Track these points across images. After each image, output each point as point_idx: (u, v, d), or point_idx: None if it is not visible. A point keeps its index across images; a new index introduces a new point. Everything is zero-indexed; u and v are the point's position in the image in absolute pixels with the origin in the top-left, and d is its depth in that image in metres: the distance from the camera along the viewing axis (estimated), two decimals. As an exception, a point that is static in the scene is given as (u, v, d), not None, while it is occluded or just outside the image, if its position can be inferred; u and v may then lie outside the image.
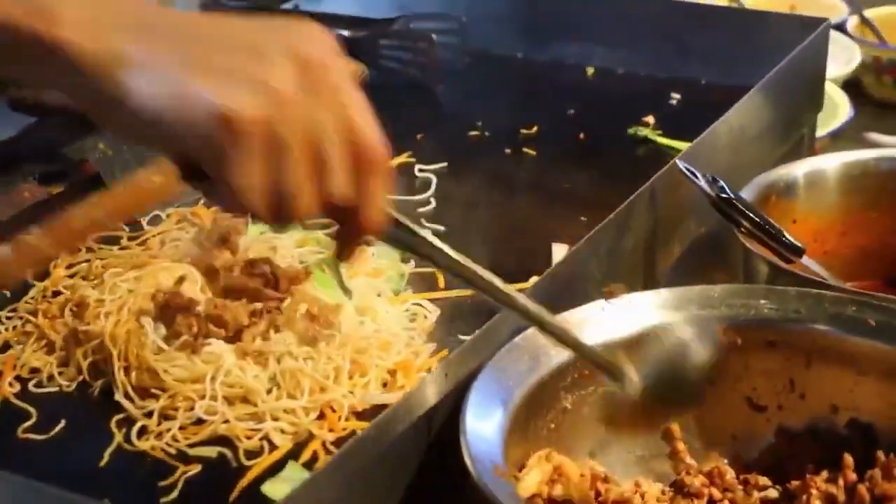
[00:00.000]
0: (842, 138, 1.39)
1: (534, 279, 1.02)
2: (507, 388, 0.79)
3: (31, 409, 0.89)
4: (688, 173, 0.99)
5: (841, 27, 1.64)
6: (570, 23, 1.51)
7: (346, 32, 1.49)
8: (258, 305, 0.94)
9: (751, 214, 0.98)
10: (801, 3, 1.78)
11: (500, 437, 0.75)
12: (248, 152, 0.64)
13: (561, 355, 0.82)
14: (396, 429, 0.75)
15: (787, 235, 0.99)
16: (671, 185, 1.04)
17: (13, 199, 1.20)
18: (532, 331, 0.81)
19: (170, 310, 0.93)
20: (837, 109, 1.42)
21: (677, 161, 1.00)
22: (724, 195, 0.98)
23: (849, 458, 0.83)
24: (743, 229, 0.99)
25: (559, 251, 1.08)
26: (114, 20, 0.66)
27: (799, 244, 0.99)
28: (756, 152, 1.23)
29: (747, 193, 1.04)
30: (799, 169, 1.09)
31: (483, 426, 0.75)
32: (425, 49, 1.45)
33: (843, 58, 1.54)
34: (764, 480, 0.84)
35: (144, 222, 1.13)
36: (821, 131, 1.38)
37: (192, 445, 0.85)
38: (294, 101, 0.65)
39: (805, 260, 1.00)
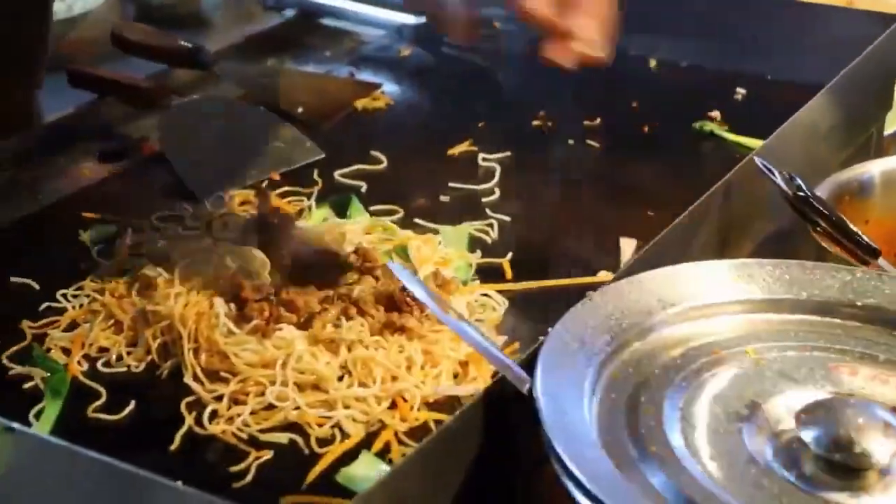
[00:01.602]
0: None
1: (602, 273, 1.02)
2: (584, 372, 0.78)
3: (101, 389, 0.89)
4: (765, 170, 0.98)
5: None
6: (633, 13, 1.48)
7: (408, 18, 1.49)
8: (329, 292, 0.93)
9: (827, 214, 0.97)
10: (858, -4, 1.76)
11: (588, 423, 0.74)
12: None
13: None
14: (477, 422, 0.74)
15: (864, 236, 0.97)
16: (745, 181, 1.03)
17: (73, 177, 1.20)
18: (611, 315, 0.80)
19: (242, 293, 0.92)
20: (905, 108, 1.40)
21: (755, 158, 0.99)
22: (801, 193, 0.97)
23: None
24: (819, 229, 0.97)
25: (628, 246, 1.07)
26: None
27: (875, 246, 0.98)
28: (825, 151, 1.21)
29: (820, 192, 1.03)
30: (875, 168, 1.08)
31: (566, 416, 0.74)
32: (488, 36, 1.44)
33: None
34: None
35: (208, 204, 1.13)
36: (887, 129, 1.36)
37: (263, 431, 0.84)
38: None
39: (881, 261, 0.98)
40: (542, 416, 0.72)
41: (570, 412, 0.74)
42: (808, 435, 0.72)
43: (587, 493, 0.68)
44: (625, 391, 0.78)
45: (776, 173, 0.98)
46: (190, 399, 0.87)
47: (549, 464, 0.78)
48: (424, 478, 0.72)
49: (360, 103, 1.36)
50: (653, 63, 1.45)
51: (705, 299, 0.85)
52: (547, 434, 0.71)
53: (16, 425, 0.71)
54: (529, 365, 0.76)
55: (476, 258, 1.04)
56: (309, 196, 1.14)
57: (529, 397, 0.74)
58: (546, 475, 0.79)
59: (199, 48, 1.32)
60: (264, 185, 1.15)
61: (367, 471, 0.80)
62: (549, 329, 0.79)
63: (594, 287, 0.92)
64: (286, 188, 1.16)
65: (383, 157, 1.22)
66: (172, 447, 0.83)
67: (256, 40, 1.53)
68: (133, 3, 1.80)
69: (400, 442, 0.84)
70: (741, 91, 1.38)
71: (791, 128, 1.12)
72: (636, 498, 0.69)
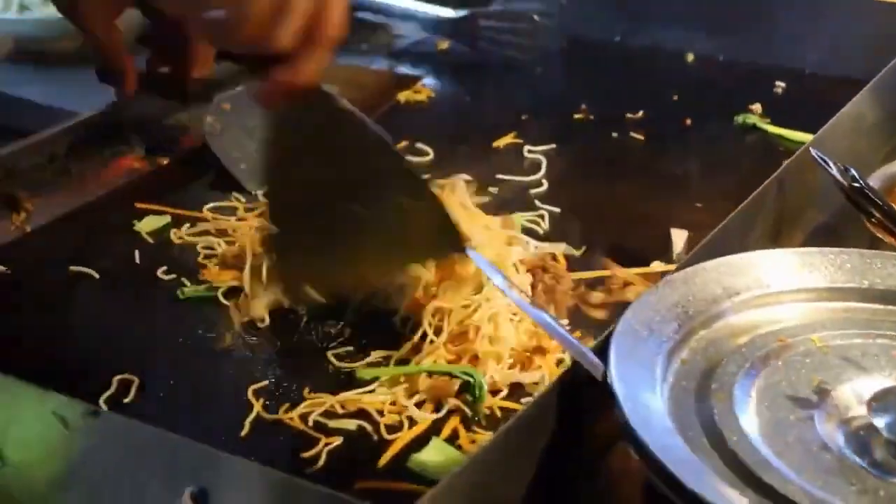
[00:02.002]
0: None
1: (655, 264, 1.03)
2: (654, 360, 0.79)
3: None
4: (821, 161, 0.99)
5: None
6: (669, 8, 1.50)
7: (447, 12, 1.49)
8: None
9: (882, 204, 0.98)
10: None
11: (662, 409, 0.75)
12: None
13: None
14: (552, 408, 0.75)
15: (918, 228, 0.98)
16: (797, 173, 1.04)
17: (122, 168, 1.21)
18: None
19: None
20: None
21: (811, 149, 1.00)
22: (856, 184, 0.98)
23: None
24: (874, 220, 0.98)
25: (679, 237, 1.07)
26: None
27: (928, 237, 0.98)
28: (867, 145, 1.22)
29: (871, 184, 1.03)
30: (926, 161, 1.09)
31: (640, 402, 0.74)
32: (526, 30, 1.45)
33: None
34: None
35: (260, 195, 1.14)
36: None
37: (330, 417, 0.85)
38: None
39: (934, 253, 0.99)
40: (619, 402, 0.73)
41: (644, 398, 0.75)
42: (880, 421, 0.73)
43: (668, 477, 0.69)
44: (694, 378, 0.79)
45: (831, 164, 0.99)
46: (257, 385, 0.88)
47: (616, 449, 0.79)
48: (501, 464, 0.72)
49: (402, 96, 1.37)
50: (690, 57, 1.47)
51: (769, 288, 0.86)
52: (626, 419, 0.72)
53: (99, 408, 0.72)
54: (601, 352, 0.77)
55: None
56: (359, 187, 1.15)
57: (604, 383, 0.75)
58: (613, 461, 0.80)
59: None
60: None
61: (438, 457, 0.81)
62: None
63: (649, 277, 0.94)
64: (335, 179, 1.17)
65: (429, 150, 1.23)
66: (242, 433, 0.84)
67: (293, 34, 1.53)
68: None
69: (468, 429, 0.84)
70: (780, 85, 1.38)
71: (838, 121, 1.12)
72: (716, 482, 0.69)
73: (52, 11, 1.54)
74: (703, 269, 0.86)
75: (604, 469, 0.80)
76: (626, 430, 0.72)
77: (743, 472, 0.71)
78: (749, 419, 0.75)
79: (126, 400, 0.86)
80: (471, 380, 0.86)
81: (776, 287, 0.86)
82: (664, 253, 1.05)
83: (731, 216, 0.94)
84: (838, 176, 0.98)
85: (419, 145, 1.23)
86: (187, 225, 1.09)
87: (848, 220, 1.04)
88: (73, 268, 1.02)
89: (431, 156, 1.22)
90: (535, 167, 1.20)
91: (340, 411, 0.86)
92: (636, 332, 0.80)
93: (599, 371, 0.76)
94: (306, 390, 0.88)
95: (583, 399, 0.78)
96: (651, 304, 0.82)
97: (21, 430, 0.75)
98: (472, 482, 0.70)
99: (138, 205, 1.12)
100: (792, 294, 0.86)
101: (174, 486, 0.69)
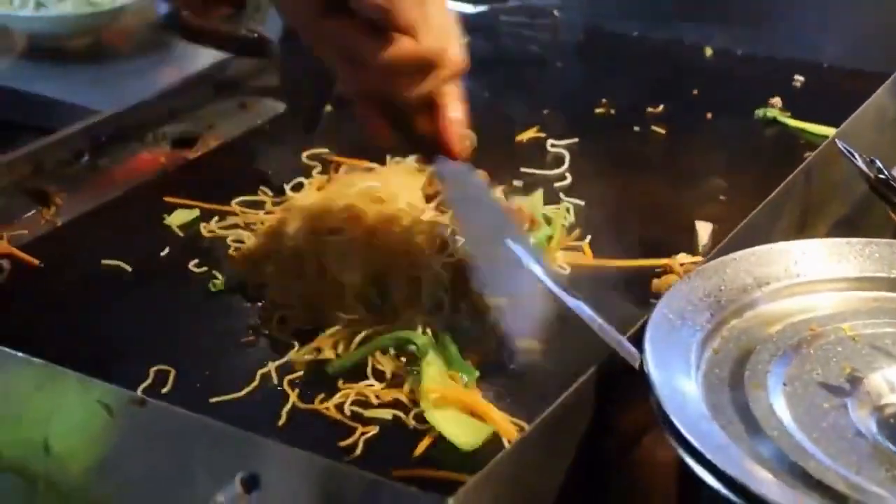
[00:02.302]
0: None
1: (682, 255, 1.03)
2: (688, 348, 0.80)
3: (202, 367, 0.91)
4: (846, 153, 1.00)
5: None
6: (687, 2, 1.51)
7: (466, 7, 1.50)
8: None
9: (908, 197, 0.99)
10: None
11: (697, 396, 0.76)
12: None
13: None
14: (590, 396, 0.76)
15: (943, 219, 0.99)
16: (823, 165, 1.05)
17: (149, 163, 1.22)
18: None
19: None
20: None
21: (837, 141, 1.01)
22: (882, 176, 0.99)
23: None
24: (900, 211, 0.99)
25: (703, 230, 1.08)
26: None
27: (953, 229, 1.00)
28: (891, 138, 1.23)
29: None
30: (950, 152, 1.10)
31: (676, 390, 0.75)
32: (547, 24, 1.46)
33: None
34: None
35: (288, 188, 1.15)
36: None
37: (365, 407, 0.86)
38: None
39: (958, 244, 1.00)
40: (656, 389, 0.74)
41: (679, 385, 0.76)
42: (913, 408, 0.74)
43: (705, 462, 0.70)
44: (727, 366, 0.80)
45: (857, 156, 1.00)
46: (292, 376, 0.89)
47: (647, 439, 0.80)
48: (539, 453, 0.74)
49: (424, 90, 1.37)
50: (708, 52, 1.47)
51: (799, 277, 0.87)
52: (663, 407, 0.73)
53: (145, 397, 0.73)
54: (636, 341, 0.78)
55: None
56: (385, 180, 1.16)
57: (640, 372, 0.76)
58: (645, 450, 0.81)
59: (263, 38, 1.33)
60: (339, 166, 1.17)
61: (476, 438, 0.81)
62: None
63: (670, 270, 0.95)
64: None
65: (453, 144, 1.23)
66: (279, 423, 0.85)
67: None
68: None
69: (500, 416, 0.85)
70: (799, 78, 1.39)
71: (862, 114, 1.13)
72: (753, 467, 0.70)
73: (67, 8, 1.56)
74: (734, 259, 0.87)
75: (635, 458, 0.81)
76: (662, 416, 0.73)
77: (779, 458, 0.72)
78: (782, 406, 0.76)
79: (164, 390, 0.87)
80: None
81: (806, 277, 0.87)
82: (689, 245, 1.06)
83: (759, 207, 0.95)
84: (864, 168, 0.99)
85: (443, 139, 1.24)
86: (216, 218, 1.09)
87: (869, 211, 1.05)
88: (105, 261, 1.03)
89: (455, 150, 1.23)
90: (559, 161, 1.21)
91: (375, 401, 0.87)
92: (670, 321, 0.81)
93: (636, 359, 0.77)
94: (340, 381, 0.88)
95: (616, 389, 0.79)
96: (683, 293, 0.84)
97: (65, 419, 0.76)
98: (511, 471, 0.71)
99: (167, 199, 1.13)
100: (822, 284, 0.87)
101: (219, 474, 0.70)
